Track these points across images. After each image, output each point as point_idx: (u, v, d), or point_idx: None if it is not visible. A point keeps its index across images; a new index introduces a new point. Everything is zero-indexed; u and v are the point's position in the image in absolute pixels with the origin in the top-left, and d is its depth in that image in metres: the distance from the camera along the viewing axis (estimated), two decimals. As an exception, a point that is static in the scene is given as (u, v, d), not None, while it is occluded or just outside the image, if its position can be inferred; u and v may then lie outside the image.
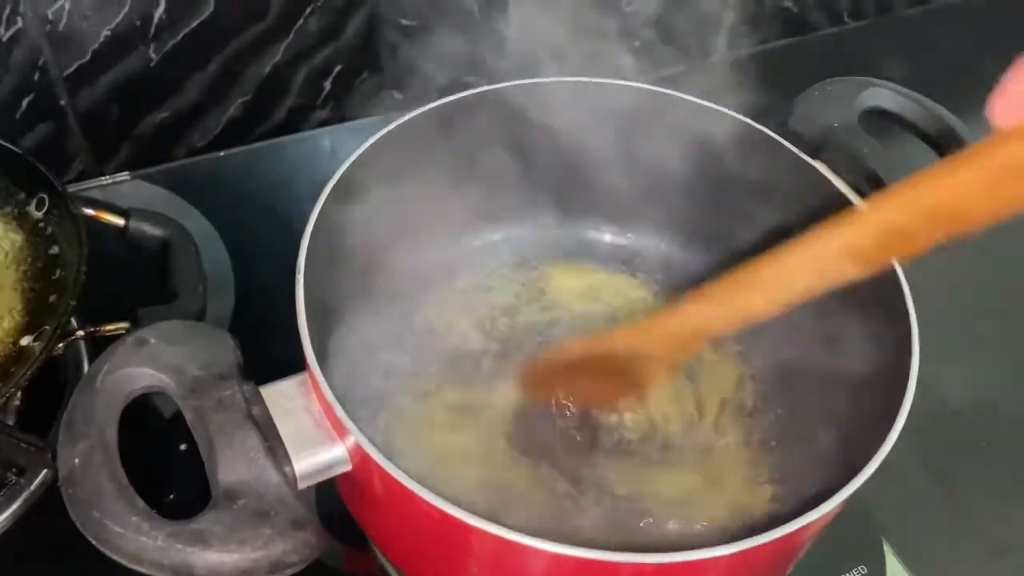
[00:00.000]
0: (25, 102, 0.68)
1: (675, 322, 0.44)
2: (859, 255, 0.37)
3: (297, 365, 0.41)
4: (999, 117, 0.32)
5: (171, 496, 0.52)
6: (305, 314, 0.41)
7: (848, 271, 0.38)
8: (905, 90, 0.56)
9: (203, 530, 0.35)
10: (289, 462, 0.38)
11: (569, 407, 0.51)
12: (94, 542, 0.35)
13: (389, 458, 0.37)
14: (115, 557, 0.35)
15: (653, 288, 0.59)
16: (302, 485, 0.39)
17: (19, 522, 0.52)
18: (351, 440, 0.38)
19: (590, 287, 0.59)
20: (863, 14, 0.98)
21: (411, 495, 0.36)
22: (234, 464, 0.37)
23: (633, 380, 0.46)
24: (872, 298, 0.47)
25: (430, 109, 0.53)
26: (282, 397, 0.41)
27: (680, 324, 0.44)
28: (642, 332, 0.45)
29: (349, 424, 0.38)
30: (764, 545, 0.36)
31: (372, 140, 0.50)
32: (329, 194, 0.47)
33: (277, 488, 0.37)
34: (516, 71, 0.57)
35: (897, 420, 0.40)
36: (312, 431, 0.40)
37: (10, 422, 0.54)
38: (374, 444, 0.37)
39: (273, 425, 0.39)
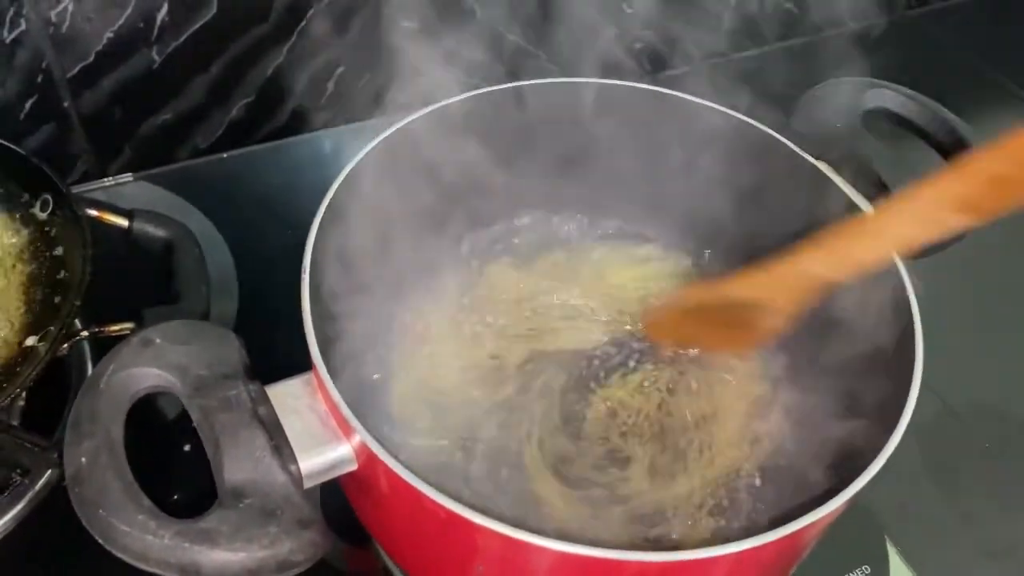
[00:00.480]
0: (28, 104, 0.68)
1: (791, 270, 0.45)
2: (967, 204, 0.38)
3: (300, 366, 0.41)
4: None
5: (176, 496, 0.52)
6: (311, 313, 0.41)
7: (958, 219, 0.39)
8: (908, 91, 0.56)
9: (210, 529, 0.35)
10: (295, 461, 0.39)
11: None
12: (101, 541, 0.35)
13: (395, 457, 0.37)
14: (122, 556, 0.35)
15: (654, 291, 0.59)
16: (308, 484, 0.39)
17: (24, 523, 0.52)
18: (357, 439, 0.38)
19: (585, 293, 0.59)
20: (864, 15, 0.99)
21: (417, 494, 0.36)
22: (240, 463, 0.37)
23: (749, 330, 0.48)
24: (876, 299, 0.47)
25: (434, 110, 0.53)
26: (288, 396, 0.41)
27: (796, 272, 0.44)
28: (759, 280, 0.46)
29: (355, 423, 0.38)
30: (768, 544, 0.36)
31: (376, 141, 0.50)
32: (334, 194, 0.47)
33: (283, 487, 0.37)
34: (516, 72, 0.57)
35: (901, 421, 0.40)
36: (318, 430, 0.40)
37: (15, 423, 0.54)
38: (380, 443, 0.37)
39: (279, 424, 0.39)
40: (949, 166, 0.39)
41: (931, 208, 0.39)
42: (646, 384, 0.53)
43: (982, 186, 0.38)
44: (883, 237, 0.42)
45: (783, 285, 0.45)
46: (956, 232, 0.40)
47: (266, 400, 0.40)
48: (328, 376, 0.39)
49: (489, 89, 0.55)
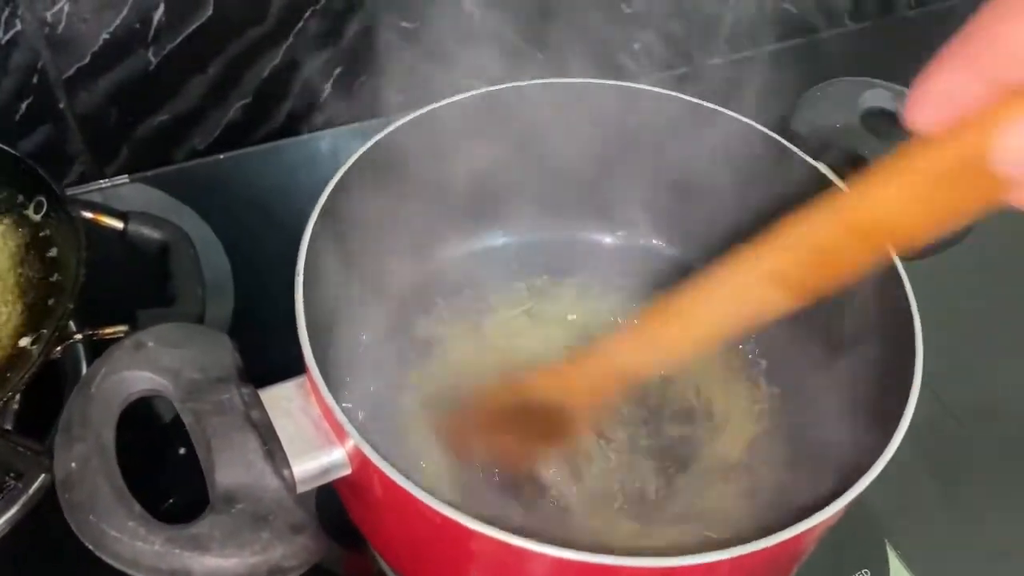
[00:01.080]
0: (24, 105, 0.68)
1: (594, 364, 0.41)
2: (784, 280, 0.34)
3: (296, 369, 0.41)
4: (921, 121, 0.29)
5: (170, 500, 0.52)
6: (304, 317, 0.41)
7: (776, 299, 0.34)
8: (907, 91, 0.55)
9: (201, 534, 0.35)
10: (288, 466, 0.38)
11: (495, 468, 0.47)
12: (91, 547, 0.35)
13: (389, 462, 0.36)
14: (112, 562, 0.35)
15: (650, 294, 0.59)
16: (301, 489, 0.39)
17: (17, 527, 0.52)
18: (351, 444, 0.38)
19: (584, 296, 0.58)
20: (864, 16, 0.98)
21: (411, 499, 0.35)
22: (232, 468, 0.37)
23: (552, 430, 0.43)
24: (876, 300, 0.47)
25: (430, 111, 0.52)
26: (281, 400, 0.40)
27: (600, 365, 0.41)
28: (558, 375, 0.42)
29: (349, 427, 0.38)
30: (766, 549, 0.36)
31: (372, 142, 0.50)
32: (329, 196, 0.47)
33: (276, 492, 0.37)
34: (516, 72, 0.57)
35: (901, 423, 0.40)
36: (311, 434, 0.39)
37: (8, 426, 0.54)
38: (374, 448, 0.37)
39: (272, 428, 0.39)
40: (765, 237, 0.34)
41: (745, 287, 0.35)
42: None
43: (802, 260, 0.33)
44: (693, 321, 0.37)
45: (589, 381, 0.41)
46: (786, 310, 0.35)
47: (259, 404, 0.40)
48: (322, 380, 0.39)
49: (487, 90, 0.54)
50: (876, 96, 0.55)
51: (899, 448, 0.39)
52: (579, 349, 0.42)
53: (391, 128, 0.51)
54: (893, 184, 0.30)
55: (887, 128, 0.55)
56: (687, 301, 0.37)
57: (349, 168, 0.48)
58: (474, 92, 0.54)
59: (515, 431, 0.44)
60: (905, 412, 0.40)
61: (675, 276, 0.58)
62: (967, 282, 0.70)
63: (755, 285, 0.35)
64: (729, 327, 0.37)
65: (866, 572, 0.53)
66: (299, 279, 0.42)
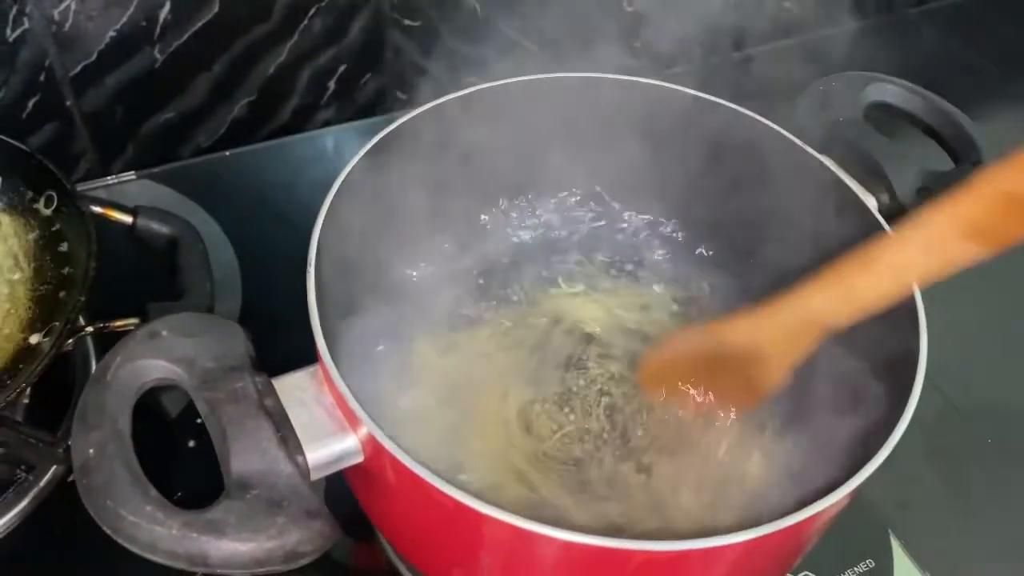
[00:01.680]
0: (31, 103, 0.68)
1: (790, 312, 0.41)
2: (978, 230, 0.35)
3: (304, 363, 0.41)
4: None
5: (179, 493, 0.52)
6: (316, 306, 0.41)
7: (970, 250, 0.35)
8: (909, 84, 0.56)
9: (217, 519, 0.35)
10: (302, 452, 0.39)
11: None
12: (108, 531, 0.35)
13: (401, 448, 0.37)
14: (129, 546, 0.35)
15: (658, 291, 0.59)
16: (315, 476, 0.39)
17: (28, 519, 0.52)
18: (364, 430, 0.38)
19: (593, 297, 0.59)
20: (865, 14, 0.99)
21: (424, 484, 0.36)
22: (247, 455, 0.37)
23: (749, 381, 0.43)
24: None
25: (435, 106, 0.53)
26: (295, 388, 0.41)
27: (796, 314, 0.41)
28: (757, 324, 0.42)
29: (361, 414, 0.38)
30: (772, 534, 0.36)
31: (377, 138, 0.50)
32: (339, 188, 0.47)
33: (290, 478, 0.37)
34: (518, 68, 0.57)
35: (905, 413, 0.40)
36: (325, 422, 0.40)
37: (19, 418, 0.54)
38: (386, 434, 0.37)
39: (286, 416, 0.39)
40: (958, 188, 0.35)
41: (941, 236, 0.36)
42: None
43: (995, 208, 0.34)
44: (890, 272, 0.38)
45: (784, 330, 0.41)
46: (978, 259, 0.36)
47: (272, 392, 0.40)
48: (334, 367, 0.39)
49: (490, 84, 0.55)
50: (879, 90, 0.55)
51: (904, 440, 0.39)
52: (773, 300, 0.41)
53: (397, 123, 0.51)
54: None
55: (891, 122, 0.56)
56: (882, 252, 0.38)
57: (359, 160, 0.49)
58: (478, 87, 0.54)
59: (708, 375, 0.46)
60: (909, 403, 0.40)
61: (673, 269, 0.60)
62: (973, 276, 0.70)
63: (949, 234, 0.36)
64: (923, 276, 0.38)
65: (871, 562, 0.54)
66: (311, 268, 0.43)
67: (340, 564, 0.52)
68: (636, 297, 0.58)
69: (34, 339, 0.50)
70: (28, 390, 0.54)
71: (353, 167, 0.49)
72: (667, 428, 0.51)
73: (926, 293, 0.45)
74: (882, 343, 0.46)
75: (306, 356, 0.41)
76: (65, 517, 0.49)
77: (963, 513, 0.57)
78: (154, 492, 0.36)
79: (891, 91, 0.55)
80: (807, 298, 0.40)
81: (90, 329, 0.52)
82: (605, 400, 0.52)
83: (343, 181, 0.48)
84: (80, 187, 0.73)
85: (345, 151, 0.79)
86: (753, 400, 0.46)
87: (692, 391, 0.48)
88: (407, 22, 0.77)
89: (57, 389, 0.56)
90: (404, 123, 0.52)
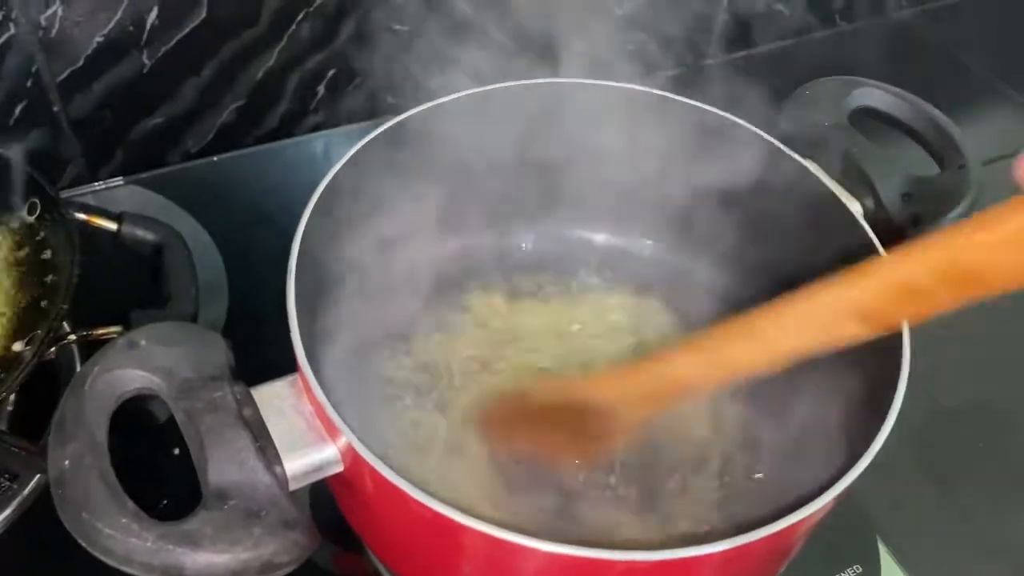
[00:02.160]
0: (18, 109, 0.68)
1: (654, 375, 0.40)
2: (866, 314, 0.35)
3: (292, 369, 0.41)
4: None
5: (164, 502, 0.52)
6: (296, 315, 0.41)
7: (853, 330, 0.35)
8: (895, 89, 0.56)
9: (193, 531, 0.35)
10: (280, 462, 0.38)
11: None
12: (83, 543, 0.35)
13: (381, 459, 0.37)
14: (105, 559, 0.35)
15: (641, 296, 0.59)
16: (294, 486, 0.39)
17: (12, 527, 0.52)
18: (343, 440, 0.38)
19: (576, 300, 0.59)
20: (855, 16, 0.99)
21: (403, 495, 0.36)
22: (224, 465, 0.37)
23: (595, 432, 0.42)
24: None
25: (422, 111, 0.53)
26: (274, 398, 0.40)
27: (659, 377, 0.40)
28: (617, 381, 0.42)
29: (340, 424, 0.38)
30: (755, 543, 0.36)
31: (360, 144, 0.50)
32: (321, 195, 0.47)
33: (268, 489, 0.37)
34: (507, 73, 0.57)
35: (888, 417, 0.40)
36: (303, 432, 0.40)
37: (2, 426, 0.54)
38: (365, 445, 0.37)
39: (264, 426, 0.39)
40: (853, 270, 0.34)
41: (826, 315, 0.35)
42: None
43: (889, 295, 0.34)
44: (767, 343, 0.37)
45: (643, 391, 0.40)
46: (861, 340, 0.35)
47: (251, 401, 0.40)
48: (313, 377, 0.39)
49: (479, 89, 0.55)
50: (864, 95, 0.55)
51: (891, 444, 0.39)
52: (640, 358, 0.41)
53: (383, 127, 0.51)
54: (987, 234, 0.31)
55: (876, 127, 0.56)
56: (760, 322, 0.37)
57: (341, 167, 0.49)
58: (464, 92, 0.54)
59: (556, 430, 0.44)
60: (892, 406, 0.40)
61: (657, 273, 0.60)
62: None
63: (835, 314, 0.35)
64: (799, 351, 0.37)
65: (857, 568, 0.53)
66: (290, 278, 0.43)
67: (325, 571, 0.52)
68: (620, 302, 0.58)
69: (17, 347, 0.50)
70: (12, 398, 0.54)
71: (335, 174, 0.48)
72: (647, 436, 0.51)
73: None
74: (866, 345, 0.46)
75: (294, 361, 0.41)
76: (50, 525, 0.49)
77: (952, 517, 0.57)
78: (130, 504, 0.36)
79: (877, 96, 0.55)
80: (674, 362, 0.40)
81: (73, 337, 0.52)
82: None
83: (328, 184, 0.48)
84: (68, 193, 0.73)
85: (335, 156, 0.78)
86: (594, 453, 0.45)
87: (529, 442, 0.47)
88: (396, 26, 0.77)
89: (42, 397, 0.55)
90: (391, 126, 0.51)
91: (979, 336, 0.67)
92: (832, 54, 0.95)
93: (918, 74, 0.83)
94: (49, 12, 0.65)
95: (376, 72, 0.80)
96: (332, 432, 0.39)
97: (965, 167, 0.51)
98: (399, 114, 0.52)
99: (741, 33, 0.91)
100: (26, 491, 0.52)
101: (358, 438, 0.37)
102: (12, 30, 0.64)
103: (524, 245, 0.61)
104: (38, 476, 0.52)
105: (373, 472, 0.37)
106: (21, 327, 0.51)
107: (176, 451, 0.55)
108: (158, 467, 0.55)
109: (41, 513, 0.52)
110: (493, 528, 0.35)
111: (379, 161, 0.51)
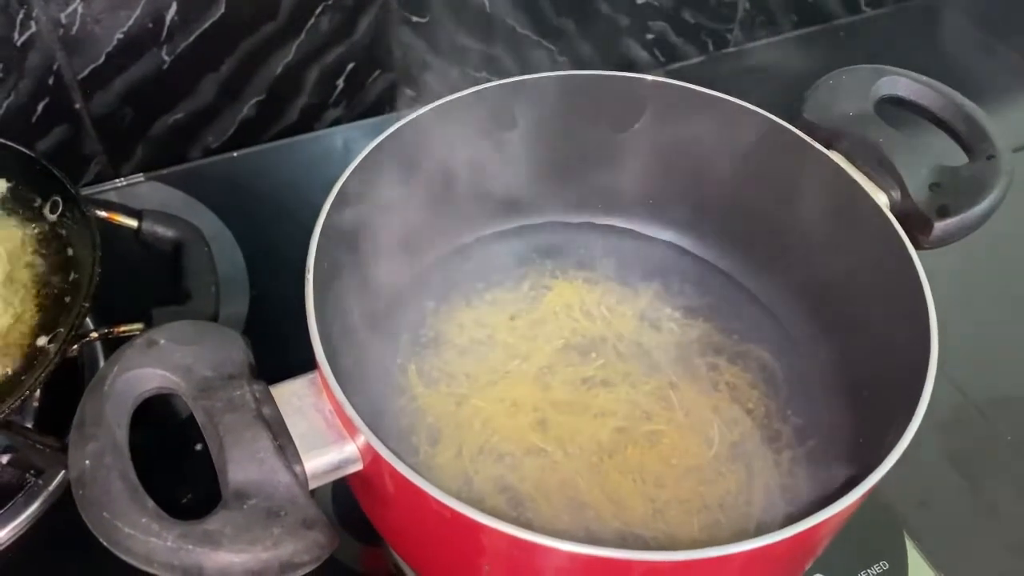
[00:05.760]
0: (40, 106, 0.69)
1: None
2: None
3: (313, 364, 0.41)
4: None
5: (188, 496, 0.53)
6: (315, 313, 0.41)
7: None
8: (923, 78, 0.54)
9: (213, 530, 0.35)
10: (300, 461, 0.38)
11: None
12: (105, 543, 0.35)
13: (400, 457, 0.36)
14: (126, 558, 0.35)
15: (659, 290, 0.58)
16: (313, 484, 0.39)
17: (38, 522, 0.52)
18: (362, 439, 0.38)
19: (591, 292, 0.58)
20: (881, 2, 0.97)
21: (422, 494, 0.36)
22: (244, 464, 0.37)
23: None
24: (891, 291, 0.46)
25: (441, 105, 0.52)
26: (293, 396, 0.40)
27: None
28: None
29: (359, 422, 0.38)
30: (782, 542, 0.36)
31: (380, 138, 0.50)
32: (339, 192, 0.47)
33: (287, 488, 0.37)
34: (526, 65, 0.57)
35: (916, 413, 0.39)
36: (323, 430, 0.39)
37: (28, 423, 0.55)
38: (385, 443, 0.37)
39: (284, 424, 0.39)
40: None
41: None
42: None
43: None
44: None
45: None
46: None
47: (271, 400, 0.40)
48: (332, 375, 0.39)
49: (499, 82, 0.54)
50: (891, 83, 0.54)
51: (919, 438, 0.38)
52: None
53: (402, 122, 0.51)
54: None
55: (903, 115, 0.55)
56: None
57: (359, 164, 0.49)
58: (486, 84, 0.53)
59: None
60: (920, 402, 0.40)
61: (685, 267, 0.59)
62: (988, 271, 0.69)
63: None
64: None
65: (884, 563, 0.53)
66: (309, 276, 0.42)
67: (349, 569, 0.52)
68: (636, 296, 0.57)
69: (41, 341, 0.50)
70: (36, 394, 0.54)
71: (352, 171, 0.48)
72: (672, 436, 0.50)
73: (938, 288, 0.44)
74: (894, 340, 0.46)
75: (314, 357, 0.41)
76: (75, 520, 0.49)
77: (980, 513, 0.56)
78: (150, 504, 0.36)
79: (903, 84, 0.54)
80: None
81: (95, 334, 0.52)
82: (612, 422, 0.51)
83: (345, 181, 0.48)
84: (90, 190, 0.73)
85: (354, 150, 0.78)
86: None
87: None
88: (415, 18, 0.77)
89: (66, 393, 0.55)
90: (411, 121, 0.51)
91: (1008, 330, 0.66)
92: (857, 42, 0.93)
93: (945, 59, 0.82)
94: (69, 10, 0.65)
95: (395, 65, 0.79)
96: (351, 430, 0.39)
97: (995, 157, 0.50)
98: (417, 108, 0.51)
99: (764, 19, 0.89)
100: (52, 486, 0.53)
101: (377, 436, 0.37)
102: (33, 28, 0.65)
103: (540, 241, 0.60)
104: (63, 472, 0.53)
105: (392, 471, 0.36)
106: (44, 324, 0.51)
107: (198, 447, 0.56)
108: (181, 462, 0.55)
109: (67, 507, 0.52)
110: (514, 528, 0.34)
111: (398, 156, 0.51)
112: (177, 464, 0.54)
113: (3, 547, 0.52)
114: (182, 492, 0.52)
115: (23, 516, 0.52)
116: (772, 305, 0.56)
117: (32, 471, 0.53)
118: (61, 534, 0.52)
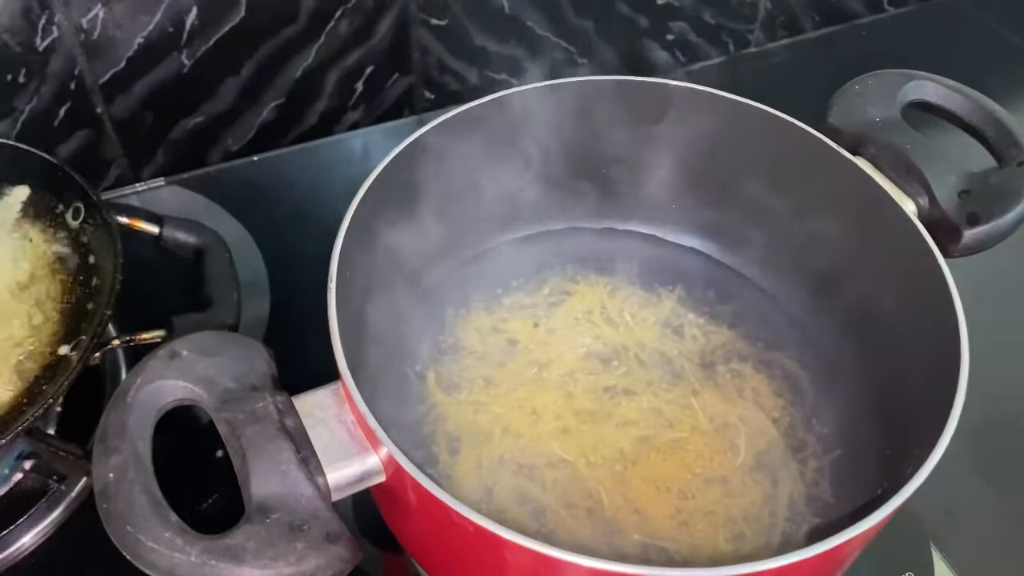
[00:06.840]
0: (62, 111, 0.69)
1: None
2: None
3: (335, 374, 0.41)
4: None
5: (209, 500, 0.52)
6: (338, 322, 0.41)
7: None
8: (951, 82, 0.54)
9: (236, 545, 0.35)
10: (322, 473, 0.38)
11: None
12: (128, 557, 0.35)
13: (423, 469, 0.36)
14: (149, 572, 0.35)
15: (682, 296, 0.58)
16: (336, 497, 0.39)
17: (61, 528, 0.52)
18: (384, 451, 0.38)
19: (613, 297, 0.57)
20: (904, 1, 0.96)
21: (445, 507, 0.35)
22: (267, 477, 0.37)
23: None
24: (920, 301, 0.45)
25: (464, 111, 0.52)
26: (316, 407, 0.40)
27: None
28: None
29: (382, 435, 0.37)
30: (810, 559, 0.35)
31: (401, 146, 0.49)
32: (361, 200, 0.47)
33: (310, 501, 0.37)
34: (546, 67, 0.56)
35: (947, 426, 0.39)
36: (346, 442, 0.39)
37: (51, 430, 0.55)
38: (407, 455, 0.37)
39: (306, 436, 0.39)
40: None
41: None
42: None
43: None
44: None
45: None
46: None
47: (293, 411, 0.40)
48: (355, 386, 0.39)
49: (521, 88, 0.54)
50: (918, 88, 0.53)
51: (946, 450, 0.38)
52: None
53: (425, 128, 0.50)
54: None
55: (930, 120, 0.54)
56: None
57: (381, 171, 0.48)
58: (508, 90, 0.53)
59: None
60: (951, 415, 0.39)
61: (708, 273, 0.58)
62: (1018, 279, 0.68)
63: None
64: None
65: (911, 574, 0.52)
66: (331, 284, 0.42)
67: (370, 576, 0.51)
68: (659, 301, 0.57)
69: (63, 350, 0.51)
70: (59, 401, 0.54)
71: (378, 175, 0.48)
72: (700, 449, 0.50)
73: (966, 295, 0.43)
74: (922, 349, 0.45)
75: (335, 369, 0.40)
76: (97, 526, 0.49)
77: (1009, 524, 0.55)
78: (174, 518, 0.36)
79: (931, 89, 0.53)
80: None
81: (117, 342, 0.52)
82: (635, 431, 0.50)
83: (367, 189, 0.47)
84: (111, 194, 0.74)
85: (374, 153, 0.78)
86: None
87: None
88: (434, 21, 0.76)
89: (89, 400, 0.56)
90: (434, 126, 0.51)
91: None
92: (880, 42, 0.92)
93: (972, 60, 0.81)
94: (91, 15, 0.65)
95: (414, 67, 0.79)
96: (374, 442, 0.39)
97: (1025, 162, 0.49)
98: (439, 111, 0.51)
99: (785, 19, 0.88)
100: (74, 492, 0.53)
101: (400, 448, 0.37)
102: (55, 33, 0.65)
103: (561, 246, 0.60)
104: (86, 478, 0.53)
105: (415, 484, 0.36)
106: (66, 331, 0.51)
107: (219, 453, 0.56)
108: (202, 468, 0.55)
109: (90, 514, 0.52)
110: (537, 543, 0.34)
111: (420, 162, 0.50)
112: (198, 470, 0.54)
113: (27, 552, 0.52)
114: (203, 498, 0.52)
115: (46, 522, 0.52)
116: (797, 313, 0.56)
117: (55, 477, 0.53)
118: (83, 540, 0.52)
